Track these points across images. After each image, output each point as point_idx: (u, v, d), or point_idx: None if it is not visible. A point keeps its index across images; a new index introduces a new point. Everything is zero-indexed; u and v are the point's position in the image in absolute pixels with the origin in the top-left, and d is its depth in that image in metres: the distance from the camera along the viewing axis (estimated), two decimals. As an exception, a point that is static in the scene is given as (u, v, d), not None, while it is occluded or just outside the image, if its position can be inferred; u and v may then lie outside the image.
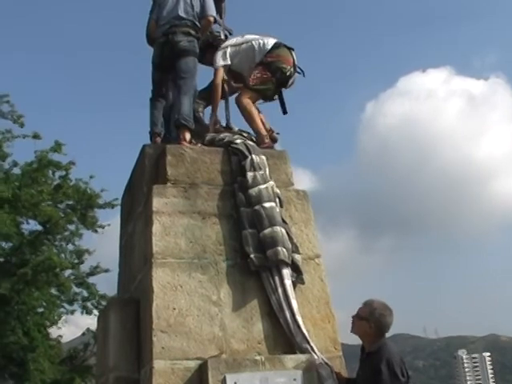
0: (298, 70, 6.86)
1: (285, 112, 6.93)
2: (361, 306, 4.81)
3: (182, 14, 6.64)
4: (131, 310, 5.50)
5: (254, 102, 6.64)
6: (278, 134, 6.50)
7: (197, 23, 6.66)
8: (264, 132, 6.39)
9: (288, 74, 6.70)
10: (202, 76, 6.94)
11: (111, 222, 18.07)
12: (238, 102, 6.60)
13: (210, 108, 6.87)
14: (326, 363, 4.95)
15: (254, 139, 6.35)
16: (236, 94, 6.81)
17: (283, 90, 6.84)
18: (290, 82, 6.82)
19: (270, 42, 6.80)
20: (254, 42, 6.81)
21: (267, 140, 6.30)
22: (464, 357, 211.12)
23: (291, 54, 6.80)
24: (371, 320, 4.69)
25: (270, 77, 6.64)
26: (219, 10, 7.07)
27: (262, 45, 6.78)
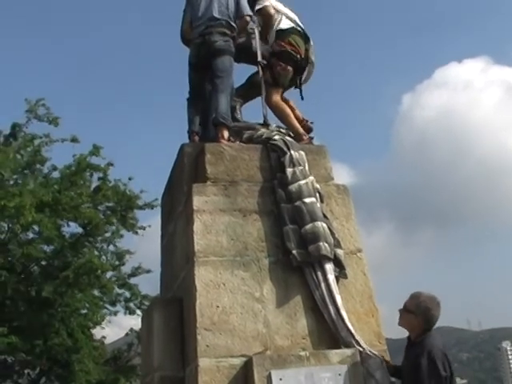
0: (310, 61, 6.86)
1: (302, 98, 6.96)
2: (408, 298, 4.79)
3: (216, 14, 6.66)
4: (175, 308, 5.52)
5: (281, 97, 6.66)
6: (312, 123, 6.48)
7: (232, 23, 6.68)
8: (301, 130, 6.38)
9: (299, 63, 6.72)
10: (238, 75, 6.97)
11: (151, 222, 18.20)
12: (268, 103, 6.60)
13: (247, 105, 6.90)
14: (375, 354, 4.92)
15: (292, 135, 6.35)
16: None
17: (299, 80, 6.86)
18: (305, 74, 6.82)
19: (285, 23, 6.79)
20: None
21: (305, 137, 6.29)
22: (508, 348, 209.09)
23: (304, 44, 6.78)
24: (418, 313, 4.66)
25: (285, 67, 6.64)
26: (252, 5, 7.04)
27: (277, 22, 6.80)
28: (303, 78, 6.89)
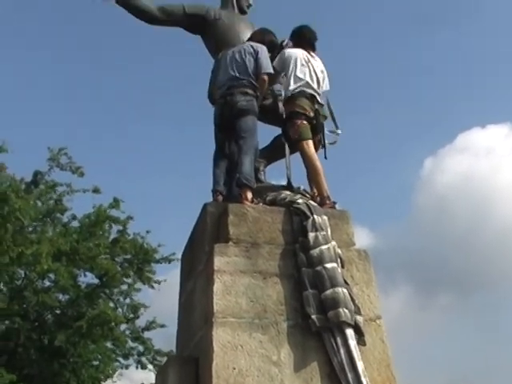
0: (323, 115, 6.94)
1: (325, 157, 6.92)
2: None
3: (237, 74, 6.70)
4: (190, 368, 5.48)
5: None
6: (335, 203, 6.46)
7: (254, 82, 6.70)
8: (326, 192, 6.38)
9: (311, 120, 6.74)
10: (262, 135, 7.02)
11: (168, 276, 18.20)
12: (303, 154, 6.61)
13: (271, 166, 6.97)
14: None
15: (314, 196, 6.38)
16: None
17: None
18: (326, 134, 6.88)
19: (292, 86, 6.84)
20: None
21: (328, 201, 6.30)
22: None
23: (312, 104, 6.82)
24: None
25: (301, 122, 6.66)
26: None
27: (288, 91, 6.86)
28: (325, 140, 6.93)
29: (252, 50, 6.79)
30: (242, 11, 8.17)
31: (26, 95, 44.90)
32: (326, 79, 7.16)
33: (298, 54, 7.01)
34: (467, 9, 50.06)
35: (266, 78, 6.72)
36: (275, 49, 7.13)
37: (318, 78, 6.97)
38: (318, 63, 7.13)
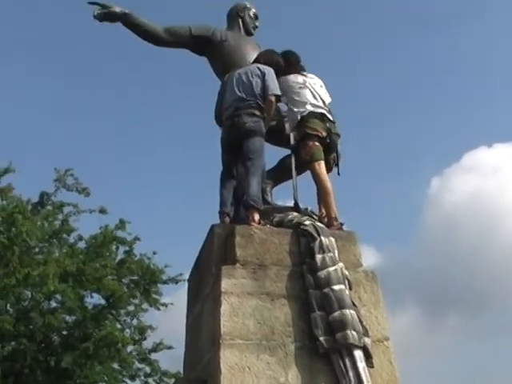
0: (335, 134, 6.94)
1: (338, 173, 7.02)
2: None
3: (244, 95, 6.73)
4: (198, 390, 5.48)
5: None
6: (342, 224, 6.46)
7: (261, 103, 6.71)
8: (334, 213, 6.39)
9: (324, 140, 6.77)
10: (269, 156, 7.03)
11: (174, 296, 18.15)
12: (314, 175, 6.66)
13: (279, 187, 7.00)
14: None
15: (322, 217, 6.39)
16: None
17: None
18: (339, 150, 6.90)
19: (302, 110, 6.87)
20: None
21: (336, 222, 6.30)
22: None
23: (322, 124, 6.84)
24: None
25: (313, 143, 6.69)
26: None
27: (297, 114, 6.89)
28: (339, 156, 6.97)
29: (259, 72, 6.82)
30: (249, 33, 8.20)
31: (32, 116, 45.03)
32: (327, 91, 7.24)
33: (290, 79, 7.10)
34: (475, 21, 50.16)
35: (273, 99, 6.73)
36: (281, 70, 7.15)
37: (320, 96, 7.02)
38: (314, 80, 7.20)
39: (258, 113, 6.66)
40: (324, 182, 6.58)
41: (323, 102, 6.98)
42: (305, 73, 7.25)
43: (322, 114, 6.86)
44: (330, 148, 6.83)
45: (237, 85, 6.83)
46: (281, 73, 7.08)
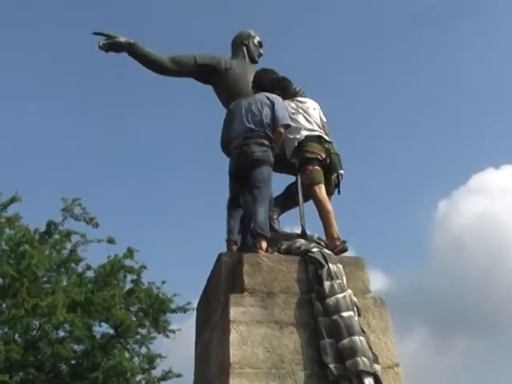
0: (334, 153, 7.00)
1: (339, 192, 7.07)
2: None
3: (253, 125, 6.76)
4: (207, 419, 5.46)
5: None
6: (345, 242, 6.46)
7: (270, 133, 6.74)
8: (336, 234, 6.41)
9: (324, 162, 6.84)
10: (276, 185, 7.07)
11: (183, 325, 18.10)
12: (314, 198, 6.70)
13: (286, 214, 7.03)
14: None
15: (329, 245, 6.38)
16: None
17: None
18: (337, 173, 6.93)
19: (301, 134, 6.96)
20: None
21: (339, 242, 6.31)
22: None
23: (320, 145, 6.91)
24: None
25: (313, 167, 6.76)
26: None
27: (294, 140, 6.96)
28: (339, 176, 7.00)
29: (268, 101, 6.87)
30: (253, 60, 8.22)
31: (39, 146, 45.26)
32: (321, 112, 7.33)
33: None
34: (481, 41, 50.33)
35: (282, 130, 6.77)
36: (278, 86, 7.23)
37: (314, 119, 7.12)
38: (307, 104, 7.29)
39: (266, 142, 6.70)
40: (324, 204, 6.61)
41: (318, 125, 7.05)
42: (298, 98, 7.35)
43: (319, 136, 6.96)
44: (330, 168, 6.91)
45: (246, 114, 6.86)
46: (278, 88, 7.15)
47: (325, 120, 7.25)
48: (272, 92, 7.02)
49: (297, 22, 51.68)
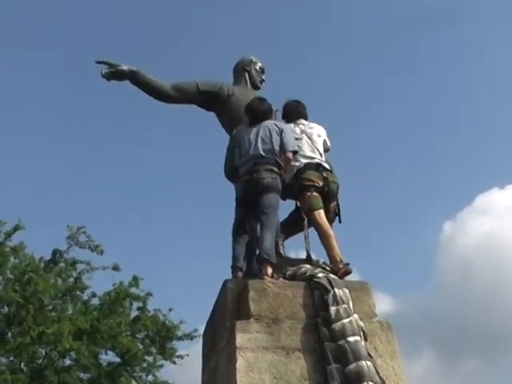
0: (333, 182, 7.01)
1: (340, 221, 7.10)
2: None
3: (262, 152, 6.79)
4: None
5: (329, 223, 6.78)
6: (347, 264, 6.46)
7: (279, 160, 6.78)
8: (338, 256, 6.43)
9: (321, 189, 6.86)
10: (283, 210, 7.09)
11: (190, 351, 18.04)
12: (314, 223, 6.73)
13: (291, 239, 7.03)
14: None
15: (333, 269, 6.37)
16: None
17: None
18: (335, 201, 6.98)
19: (300, 162, 6.99)
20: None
21: (341, 265, 6.31)
22: None
23: (318, 173, 6.94)
24: None
25: (311, 194, 6.79)
26: None
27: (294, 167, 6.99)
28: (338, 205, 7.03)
29: (277, 128, 6.93)
30: (255, 86, 8.25)
31: (44, 173, 45.37)
32: (326, 138, 7.37)
33: None
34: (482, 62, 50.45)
35: (290, 156, 6.83)
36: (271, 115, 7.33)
37: (316, 146, 7.15)
38: (313, 129, 7.32)
39: (276, 169, 6.74)
40: (324, 228, 6.64)
41: (319, 152, 7.08)
42: (303, 121, 7.37)
43: (318, 164, 6.99)
44: (328, 197, 6.93)
45: (255, 141, 6.89)
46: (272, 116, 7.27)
47: (329, 146, 7.29)
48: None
49: (295, 22, 51.80)
